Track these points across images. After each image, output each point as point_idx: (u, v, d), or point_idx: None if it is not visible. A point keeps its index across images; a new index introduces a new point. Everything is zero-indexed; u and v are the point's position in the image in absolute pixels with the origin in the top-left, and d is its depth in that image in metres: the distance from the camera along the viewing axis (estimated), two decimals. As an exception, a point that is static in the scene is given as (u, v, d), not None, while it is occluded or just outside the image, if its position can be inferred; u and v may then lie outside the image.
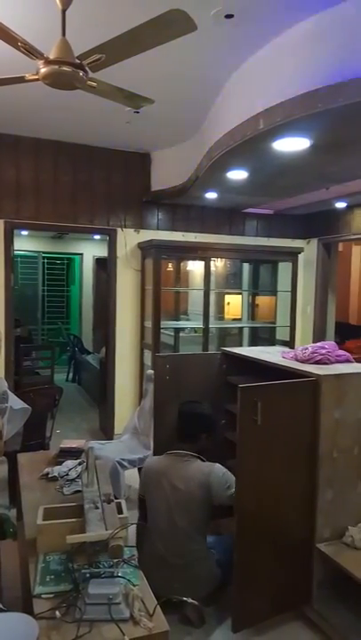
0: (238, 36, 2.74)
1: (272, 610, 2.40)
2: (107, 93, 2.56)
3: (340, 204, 5.07)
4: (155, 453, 3.03)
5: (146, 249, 5.05)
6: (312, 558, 2.43)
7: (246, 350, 3.52)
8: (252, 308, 5.91)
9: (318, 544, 2.41)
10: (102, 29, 2.28)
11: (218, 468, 2.49)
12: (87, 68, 2.18)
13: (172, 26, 1.92)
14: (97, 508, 2.07)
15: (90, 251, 8.96)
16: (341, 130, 2.75)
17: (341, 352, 2.80)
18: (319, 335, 5.70)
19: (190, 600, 1.91)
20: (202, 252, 5.05)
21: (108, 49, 2.07)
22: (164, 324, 5.06)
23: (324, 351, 2.72)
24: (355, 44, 2.30)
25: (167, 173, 4.93)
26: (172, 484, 2.47)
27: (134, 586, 1.84)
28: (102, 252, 7.08)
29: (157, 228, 5.24)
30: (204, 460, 2.57)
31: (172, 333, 5.44)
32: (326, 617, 2.34)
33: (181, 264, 5.65)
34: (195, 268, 5.68)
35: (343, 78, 2.28)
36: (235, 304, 5.83)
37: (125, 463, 3.49)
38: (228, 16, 2.52)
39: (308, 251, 5.81)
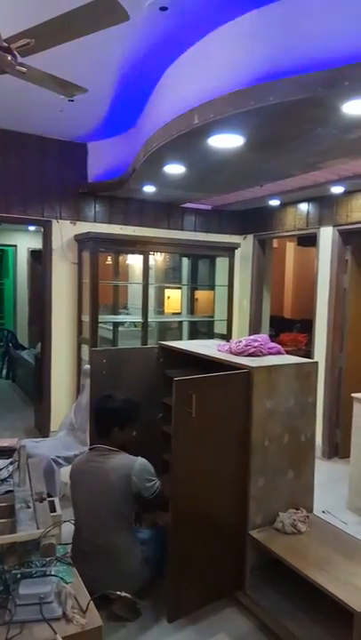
0: (173, 29, 2.74)
1: (206, 598, 2.46)
2: (38, 80, 2.48)
3: (274, 202, 5.22)
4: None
5: (83, 241, 4.95)
6: (245, 545, 2.50)
7: (183, 344, 3.55)
8: (192, 303, 5.97)
9: (251, 531, 2.49)
10: (32, 13, 2.20)
11: (140, 460, 2.46)
12: (16, 53, 2.09)
13: (103, 14, 1.89)
14: (29, 507, 2.03)
15: (24, 242, 8.66)
16: (273, 128, 2.82)
17: (273, 344, 2.89)
18: (255, 328, 5.86)
19: (124, 594, 1.91)
20: (140, 246, 5.03)
21: (37, 34, 2.00)
22: (102, 318, 4.99)
23: (256, 344, 2.80)
24: (287, 42, 2.35)
25: (104, 165, 4.85)
26: (92, 478, 2.45)
27: (67, 583, 1.82)
28: (37, 243, 6.87)
29: (95, 221, 5.15)
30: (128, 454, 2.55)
31: (111, 328, 5.39)
32: (258, 601, 2.42)
33: (121, 258, 5.60)
34: (134, 261, 5.64)
35: (275, 76, 2.33)
36: (175, 298, 5.86)
37: (61, 460, 3.42)
38: (163, 8, 2.51)
39: (245, 246, 5.95)
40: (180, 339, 5.78)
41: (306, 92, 2.25)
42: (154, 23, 2.65)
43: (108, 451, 2.51)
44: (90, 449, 2.63)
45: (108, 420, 2.56)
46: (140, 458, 2.48)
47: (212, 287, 5.86)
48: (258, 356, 2.76)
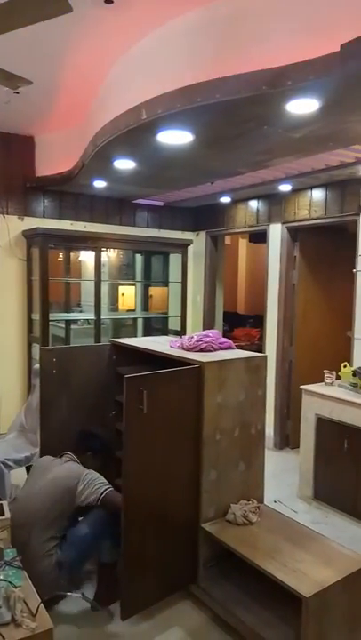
0: (119, 24, 2.71)
1: (160, 593, 2.47)
2: (-21, 70, 2.39)
3: (225, 199, 5.28)
4: (42, 450, 2.95)
5: (31, 237, 4.82)
6: (198, 538, 2.53)
7: (135, 341, 3.54)
8: (146, 299, 5.96)
9: (203, 524, 2.51)
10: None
11: (94, 471, 2.54)
12: None
13: (44, 5, 1.84)
14: (-26, 511, 1.97)
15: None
16: (220, 125, 2.84)
17: (224, 339, 2.93)
18: (208, 324, 5.92)
19: (75, 594, 1.89)
20: (92, 242, 4.95)
21: (-25, 21, 1.93)
22: (54, 316, 4.89)
23: (207, 339, 2.83)
24: (234, 40, 2.37)
25: (53, 159, 4.74)
26: (43, 476, 2.48)
27: (16, 587, 1.79)
28: (-15, 240, 6.63)
29: (44, 216, 5.03)
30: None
31: (64, 326, 5.28)
32: (211, 593, 2.46)
33: (73, 254, 5.50)
34: (87, 258, 5.55)
35: (222, 74, 2.35)
36: (129, 295, 5.82)
37: (11, 463, 3.33)
38: (108, 1, 2.47)
39: (197, 243, 5.98)
40: (135, 335, 5.76)
41: (251, 91, 2.28)
42: (99, 16, 2.61)
43: (70, 458, 2.60)
44: (60, 456, 2.68)
45: (85, 442, 2.71)
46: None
47: (165, 283, 5.87)
48: (209, 351, 2.79)
